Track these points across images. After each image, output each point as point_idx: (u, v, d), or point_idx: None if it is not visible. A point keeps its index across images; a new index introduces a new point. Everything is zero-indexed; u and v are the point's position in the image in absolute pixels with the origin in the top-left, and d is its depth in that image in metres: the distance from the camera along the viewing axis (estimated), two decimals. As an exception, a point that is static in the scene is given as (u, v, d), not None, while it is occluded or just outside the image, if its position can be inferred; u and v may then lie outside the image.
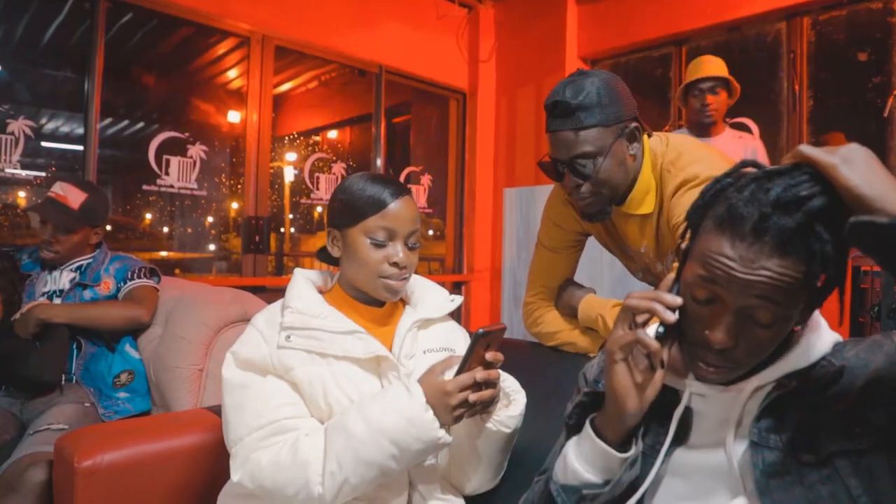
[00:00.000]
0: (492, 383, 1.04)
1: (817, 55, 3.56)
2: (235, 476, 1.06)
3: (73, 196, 1.97)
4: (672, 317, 0.77)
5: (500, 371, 1.10)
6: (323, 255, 1.28)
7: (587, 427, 0.86)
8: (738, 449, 0.79)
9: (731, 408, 0.81)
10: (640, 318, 0.80)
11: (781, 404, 0.79)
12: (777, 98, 3.68)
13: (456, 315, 4.52)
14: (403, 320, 1.23)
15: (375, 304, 1.23)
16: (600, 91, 1.27)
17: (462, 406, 1.01)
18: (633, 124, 1.32)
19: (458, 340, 1.30)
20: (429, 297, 1.30)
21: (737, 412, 0.81)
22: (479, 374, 1.00)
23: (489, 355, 1.02)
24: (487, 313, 4.60)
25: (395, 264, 1.15)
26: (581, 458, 0.85)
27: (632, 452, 0.83)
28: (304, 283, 1.22)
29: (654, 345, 0.78)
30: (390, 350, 1.17)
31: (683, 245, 0.83)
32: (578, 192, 1.33)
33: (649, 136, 1.41)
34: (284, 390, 1.11)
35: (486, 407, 1.08)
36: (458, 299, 1.32)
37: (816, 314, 0.84)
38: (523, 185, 2.86)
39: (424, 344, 1.23)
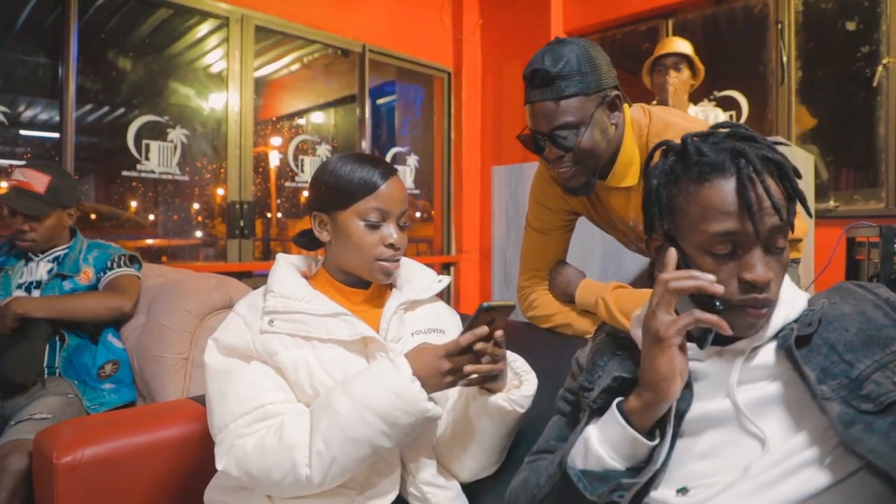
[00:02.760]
0: (494, 358, 1.01)
1: (805, 25, 3.53)
2: (220, 464, 1.03)
3: (37, 180, 1.91)
4: (721, 287, 0.78)
5: (508, 351, 1.10)
6: (301, 241, 1.26)
7: (615, 414, 0.83)
8: (744, 397, 0.81)
9: (733, 365, 0.83)
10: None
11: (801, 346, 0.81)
12: (765, 70, 3.65)
13: (445, 296, 4.51)
14: (390, 303, 1.21)
15: (363, 286, 1.20)
16: (580, 59, 1.23)
17: (452, 373, 0.99)
18: (614, 92, 1.28)
19: (447, 321, 1.27)
20: (415, 279, 1.27)
21: (738, 368, 0.82)
22: (464, 338, 0.97)
23: (487, 330, 0.99)
24: (477, 293, 4.58)
25: (390, 245, 1.13)
26: (606, 444, 0.83)
27: (658, 440, 0.82)
28: (286, 267, 1.19)
29: (716, 318, 0.77)
30: (377, 333, 1.15)
31: (657, 237, 0.88)
32: (560, 164, 1.29)
33: (629, 105, 1.37)
34: (269, 375, 1.08)
35: (487, 380, 1.05)
36: (445, 280, 1.30)
37: (786, 279, 0.89)
38: (510, 163, 2.83)
39: (412, 326, 1.21)
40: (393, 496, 1.09)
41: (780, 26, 3.57)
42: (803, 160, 2.29)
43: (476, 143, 4.68)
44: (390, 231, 1.14)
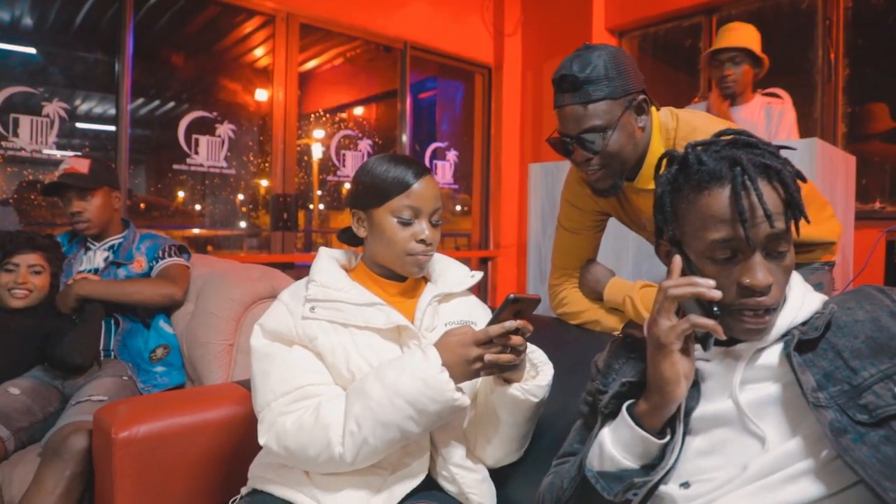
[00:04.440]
0: (516, 350, 1.06)
1: (854, 22, 3.44)
2: (262, 439, 1.11)
3: (80, 164, 2.04)
4: (718, 293, 0.81)
5: (527, 343, 1.13)
6: (343, 237, 1.33)
7: (625, 417, 0.88)
8: (746, 397, 0.84)
9: (736, 366, 0.86)
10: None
11: (800, 353, 0.83)
12: (812, 67, 3.57)
13: (483, 290, 4.55)
14: (425, 295, 1.27)
15: (398, 279, 1.27)
16: (607, 64, 1.26)
17: (480, 361, 1.04)
18: (641, 96, 1.31)
19: (478, 315, 1.32)
20: (449, 273, 1.33)
21: (741, 369, 0.85)
22: (494, 329, 1.02)
23: (517, 323, 1.03)
24: (514, 288, 4.61)
25: (421, 241, 1.19)
26: (619, 446, 0.88)
27: (669, 438, 0.86)
28: (327, 260, 1.27)
29: (712, 323, 0.81)
30: (412, 322, 1.21)
31: (665, 242, 0.92)
32: (588, 166, 1.33)
33: (657, 109, 1.40)
34: (309, 359, 1.15)
35: (505, 370, 1.10)
36: (477, 275, 1.35)
37: (800, 279, 0.92)
38: (549, 161, 2.85)
39: (445, 317, 1.27)
40: (422, 477, 1.15)
41: (828, 23, 3.49)
42: (843, 162, 2.26)
43: (515, 140, 4.70)
44: (422, 228, 1.20)
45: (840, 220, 1.68)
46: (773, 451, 0.80)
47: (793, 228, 0.85)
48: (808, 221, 0.84)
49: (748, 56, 2.62)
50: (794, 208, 0.83)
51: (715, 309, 0.82)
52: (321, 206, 4.12)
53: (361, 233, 1.25)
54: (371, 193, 1.21)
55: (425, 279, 1.34)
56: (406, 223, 1.19)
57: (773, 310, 0.83)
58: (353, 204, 1.25)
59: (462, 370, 1.04)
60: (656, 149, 1.35)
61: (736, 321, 0.84)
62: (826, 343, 0.83)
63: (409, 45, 4.18)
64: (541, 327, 1.48)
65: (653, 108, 1.36)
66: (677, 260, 0.87)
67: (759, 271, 0.81)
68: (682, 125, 1.36)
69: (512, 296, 1.01)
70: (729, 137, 0.88)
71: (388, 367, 1.07)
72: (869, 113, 3.44)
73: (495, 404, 1.18)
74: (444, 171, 4.61)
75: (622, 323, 1.47)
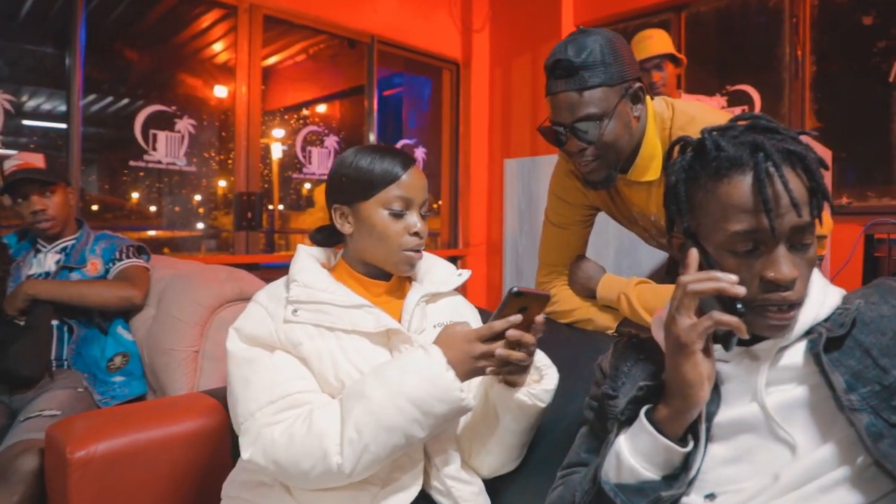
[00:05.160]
0: (525, 347, 0.98)
1: (820, 19, 3.49)
2: (246, 453, 1.00)
3: (34, 159, 1.92)
4: (742, 289, 0.75)
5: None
6: (319, 237, 1.25)
7: (645, 423, 0.81)
8: (772, 400, 0.79)
9: (759, 366, 0.81)
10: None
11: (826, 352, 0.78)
12: (779, 64, 3.61)
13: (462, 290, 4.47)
14: (411, 295, 1.19)
15: (383, 278, 1.19)
16: (604, 49, 1.20)
17: (485, 358, 0.97)
18: (637, 84, 1.25)
19: (468, 316, 1.26)
20: (435, 272, 1.26)
21: (765, 369, 0.80)
22: (498, 324, 0.95)
23: (523, 318, 0.96)
24: (485, 288, 4.56)
25: (415, 234, 1.13)
26: (638, 456, 0.81)
27: (692, 446, 0.79)
28: (307, 258, 1.17)
29: (736, 320, 0.74)
30: (399, 324, 1.13)
31: (678, 234, 0.86)
32: (582, 157, 1.26)
33: (651, 98, 1.34)
34: (294, 364, 1.06)
35: (514, 370, 1.03)
36: (465, 273, 1.28)
37: (819, 274, 0.87)
38: (520, 156, 2.80)
39: (434, 318, 1.20)
40: (416, 491, 1.06)
41: (794, 20, 3.53)
42: (822, 155, 2.25)
43: (484, 136, 4.65)
44: (414, 220, 1.13)
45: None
46: (805, 459, 0.74)
47: (818, 219, 0.79)
48: (832, 211, 0.79)
49: (670, 58, 2.82)
50: (819, 197, 0.77)
51: (738, 306, 0.76)
52: (281, 207, 3.99)
53: (346, 229, 1.15)
54: (357, 186, 1.12)
55: (410, 278, 1.26)
56: (398, 215, 1.12)
57: (797, 305, 0.78)
58: (335, 199, 1.16)
59: (466, 368, 0.97)
60: (651, 140, 1.30)
61: (759, 317, 0.78)
62: (852, 341, 0.78)
63: (376, 39, 4.09)
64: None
65: (647, 98, 1.30)
66: (694, 253, 0.80)
67: (784, 264, 0.75)
68: (678, 115, 1.30)
69: (515, 289, 0.93)
70: (747, 122, 0.82)
71: (387, 368, 0.99)
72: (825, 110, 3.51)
73: (499, 410, 1.10)
74: (413, 169, 4.53)
75: (616, 321, 1.41)
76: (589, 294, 1.48)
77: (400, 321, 1.15)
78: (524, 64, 4.36)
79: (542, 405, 1.10)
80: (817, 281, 0.85)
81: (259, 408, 1.02)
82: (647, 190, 1.36)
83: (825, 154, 2.31)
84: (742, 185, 0.76)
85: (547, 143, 1.36)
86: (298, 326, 1.06)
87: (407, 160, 1.15)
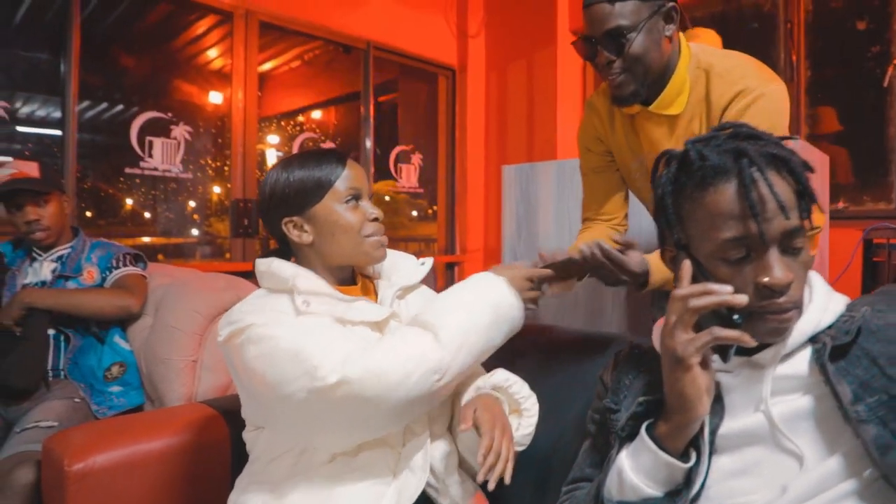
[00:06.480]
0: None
1: (815, 24, 3.50)
2: (334, 375, 0.93)
3: (28, 168, 1.91)
4: (744, 297, 0.74)
5: (507, 373, 1.15)
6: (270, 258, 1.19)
7: (646, 440, 0.80)
8: (777, 411, 0.78)
9: (762, 375, 0.80)
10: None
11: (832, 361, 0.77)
12: (774, 69, 3.59)
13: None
14: (384, 291, 1.21)
15: (348, 283, 1.20)
16: None
17: (534, 290, 1.15)
18: (671, 3, 1.29)
19: None
20: (400, 266, 1.28)
21: (769, 379, 0.79)
22: (543, 272, 1.15)
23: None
24: (481, 294, 4.54)
25: (375, 219, 1.15)
26: (640, 473, 0.80)
27: (694, 461, 0.78)
28: (281, 262, 1.14)
29: (736, 333, 0.73)
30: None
31: (671, 247, 0.86)
32: (610, 69, 1.30)
33: (684, 29, 1.39)
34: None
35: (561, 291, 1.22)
36: (428, 262, 1.30)
37: (821, 279, 0.86)
38: (516, 162, 2.81)
39: (408, 313, 1.21)
40: (421, 485, 1.04)
41: (789, 25, 3.54)
42: (819, 161, 2.26)
43: (480, 142, 4.64)
44: (368, 207, 1.15)
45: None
46: (813, 471, 0.73)
47: (808, 221, 0.78)
48: (823, 212, 0.79)
49: None
50: (807, 199, 0.77)
51: (735, 317, 0.75)
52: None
53: (306, 238, 1.12)
54: (305, 193, 1.11)
55: (371, 278, 1.27)
56: (354, 206, 1.13)
57: (796, 308, 0.77)
58: (284, 214, 1.12)
59: (520, 286, 1.12)
60: (682, 74, 1.34)
61: (757, 323, 0.77)
62: (859, 349, 0.77)
63: (372, 45, 4.08)
64: (533, 336, 1.41)
65: (682, 37, 1.34)
66: (687, 265, 0.80)
67: (777, 268, 0.75)
68: (717, 58, 1.33)
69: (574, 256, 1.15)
70: (728, 130, 0.82)
71: (455, 290, 1.13)
72: (821, 115, 3.51)
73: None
74: (409, 175, 4.51)
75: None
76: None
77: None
78: (520, 69, 4.36)
79: (523, 448, 1.11)
80: (820, 287, 0.84)
81: (346, 350, 0.98)
82: (669, 125, 1.39)
83: (822, 160, 2.31)
84: (728, 192, 0.76)
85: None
86: (312, 318, 1.03)
87: (342, 155, 1.16)
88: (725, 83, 1.29)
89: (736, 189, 0.75)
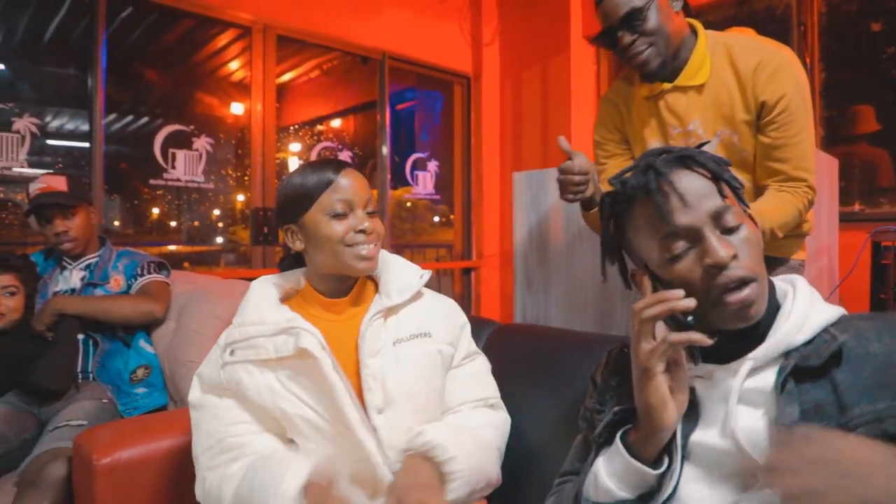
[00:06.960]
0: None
1: (829, 27, 3.49)
2: (196, 492, 1.13)
3: (57, 182, 1.99)
4: (692, 301, 0.78)
5: (434, 433, 1.09)
6: (285, 265, 1.30)
7: (619, 446, 0.84)
8: (742, 425, 0.79)
9: (731, 387, 0.82)
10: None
11: (798, 380, 0.78)
12: (787, 72, 3.60)
13: (466, 301, 4.51)
14: (370, 310, 1.18)
15: (343, 293, 1.21)
16: None
17: None
18: None
19: (434, 321, 1.24)
20: (397, 279, 1.24)
21: (735, 392, 0.80)
22: None
23: None
24: (498, 298, 4.58)
25: (361, 231, 1.15)
26: (613, 477, 0.84)
27: (665, 467, 0.82)
28: (258, 290, 1.21)
29: (696, 335, 0.77)
30: (357, 344, 1.14)
31: (636, 271, 0.91)
32: (634, 49, 1.44)
33: (689, 14, 1.53)
34: (234, 409, 1.13)
35: None
36: (426, 274, 1.27)
37: (806, 288, 0.87)
38: (530, 168, 2.84)
39: (394, 334, 1.18)
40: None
41: (802, 28, 3.54)
42: (827, 165, 2.27)
43: (495, 149, 4.69)
44: (358, 218, 1.15)
45: (824, 224, 1.66)
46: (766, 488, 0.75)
47: (732, 200, 0.84)
48: (745, 204, 0.87)
49: None
50: (724, 181, 0.84)
51: (689, 318, 0.79)
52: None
53: (298, 246, 1.18)
54: (297, 202, 1.16)
55: (374, 287, 1.26)
56: (340, 217, 1.14)
57: (750, 281, 0.79)
58: (283, 221, 1.20)
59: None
60: (702, 48, 1.48)
61: (717, 308, 0.80)
62: (827, 374, 0.77)
63: (388, 55, 4.16)
64: (530, 338, 1.45)
65: (697, 22, 1.51)
66: (646, 280, 0.86)
67: (717, 247, 0.79)
68: (731, 36, 1.50)
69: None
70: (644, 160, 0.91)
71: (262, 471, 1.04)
72: (853, 115, 3.48)
73: None
74: (426, 182, 4.58)
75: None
76: None
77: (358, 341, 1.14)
78: (534, 76, 4.41)
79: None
80: (802, 295, 0.85)
81: (202, 452, 1.11)
82: (694, 96, 1.50)
83: (831, 163, 2.33)
84: (648, 202, 0.85)
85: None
86: (238, 366, 1.12)
87: (339, 165, 1.17)
88: (748, 52, 1.43)
89: (654, 196, 0.83)
